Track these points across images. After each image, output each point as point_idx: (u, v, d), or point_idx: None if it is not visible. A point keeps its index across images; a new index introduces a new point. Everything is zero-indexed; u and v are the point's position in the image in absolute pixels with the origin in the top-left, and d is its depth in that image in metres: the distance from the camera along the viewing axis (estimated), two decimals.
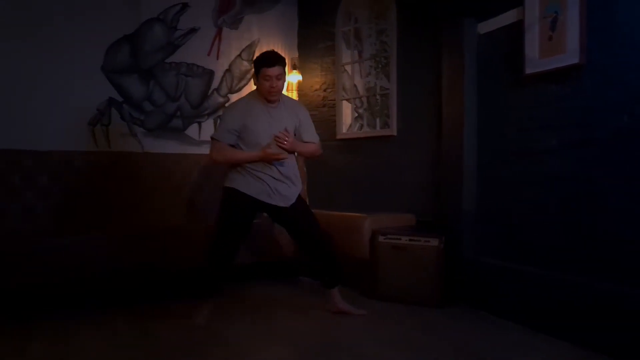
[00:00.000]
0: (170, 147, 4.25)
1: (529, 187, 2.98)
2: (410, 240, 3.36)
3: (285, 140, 2.81)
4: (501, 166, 3.19)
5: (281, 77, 2.80)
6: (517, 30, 2.99)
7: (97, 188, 3.80)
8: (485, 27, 3.25)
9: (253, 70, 2.89)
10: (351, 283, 3.70)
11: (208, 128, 4.43)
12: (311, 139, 3.05)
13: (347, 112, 4.54)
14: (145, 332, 2.80)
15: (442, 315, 3.07)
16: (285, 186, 2.91)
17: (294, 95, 4.90)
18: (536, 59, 2.87)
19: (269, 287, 3.75)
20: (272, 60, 2.77)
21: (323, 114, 4.69)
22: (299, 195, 3.04)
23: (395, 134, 4.02)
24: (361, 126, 4.47)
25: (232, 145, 2.88)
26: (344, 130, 4.52)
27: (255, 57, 3.00)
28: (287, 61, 4.69)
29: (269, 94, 2.81)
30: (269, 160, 2.81)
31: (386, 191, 4.09)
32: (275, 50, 4.68)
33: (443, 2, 3.51)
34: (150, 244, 3.40)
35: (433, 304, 3.22)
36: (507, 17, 3.09)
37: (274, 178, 2.87)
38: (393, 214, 3.79)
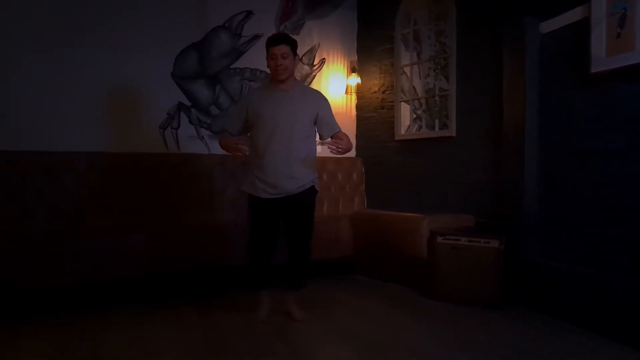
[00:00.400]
0: None
1: (594, 189, 2.92)
2: (469, 241, 3.36)
3: (340, 147, 2.82)
4: (564, 167, 3.14)
5: (286, 55, 2.82)
6: (582, 28, 2.94)
7: (167, 188, 4.02)
8: (548, 26, 3.21)
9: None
10: (409, 283, 3.75)
11: None
12: (333, 131, 3.00)
13: (405, 113, 4.58)
14: (212, 325, 2.93)
15: (502, 317, 3.06)
16: (287, 179, 2.89)
17: (352, 98, 5.00)
18: (603, 57, 2.81)
19: (327, 285, 3.82)
20: (276, 39, 2.86)
21: (382, 116, 4.75)
22: (309, 191, 2.97)
23: (454, 134, 4.02)
24: (420, 127, 4.49)
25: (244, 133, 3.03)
26: (403, 131, 4.56)
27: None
28: (347, 64, 4.89)
29: (275, 73, 2.86)
30: (228, 151, 2.96)
31: (445, 192, 4.10)
32: (335, 53, 4.87)
33: (504, 2, 3.49)
34: (215, 239, 3.58)
35: (493, 306, 3.21)
36: (572, 15, 3.04)
37: (273, 172, 2.87)
38: (452, 214, 3.80)
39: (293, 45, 2.90)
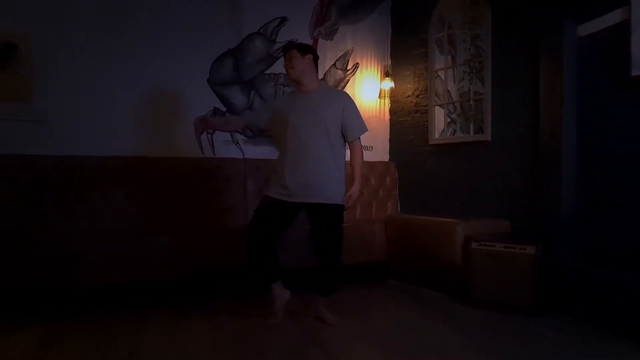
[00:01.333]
0: (268, 153, 4.53)
1: (635, 194, 2.88)
2: (504, 247, 3.35)
3: (354, 202, 3.01)
4: (604, 172, 3.10)
5: (294, 57, 2.95)
6: (622, 31, 2.92)
7: (202, 192, 4.13)
8: (586, 29, 3.19)
9: None
10: (443, 288, 3.75)
11: None
12: (357, 134, 3.03)
13: (439, 117, 4.58)
14: (246, 328, 2.99)
15: (538, 325, 3.03)
16: (311, 182, 2.91)
17: (386, 102, 5.03)
18: None
19: (360, 289, 3.85)
20: (285, 46, 3.24)
21: (415, 120, 4.77)
22: (334, 205, 2.98)
23: (489, 139, 4.01)
24: (454, 131, 4.49)
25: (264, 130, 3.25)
26: (437, 135, 4.56)
27: None
28: (380, 68, 4.93)
29: (287, 74, 3.04)
30: (195, 127, 3.16)
31: (480, 197, 4.08)
32: (368, 58, 4.91)
33: (541, 5, 3.48)
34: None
35: (528, 313, 3.19)
36: (611, 18, 3.02)
37: (297, 175, 2.90)
38: (487, 219, 3.79)
39: (300, 48, 3.03)
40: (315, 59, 3.07)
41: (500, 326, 3.02)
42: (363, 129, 3.07)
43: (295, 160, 2.91)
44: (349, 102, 3.03)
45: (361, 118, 3.08)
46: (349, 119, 2.98)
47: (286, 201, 2.93)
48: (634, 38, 2.81)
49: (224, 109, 4.42)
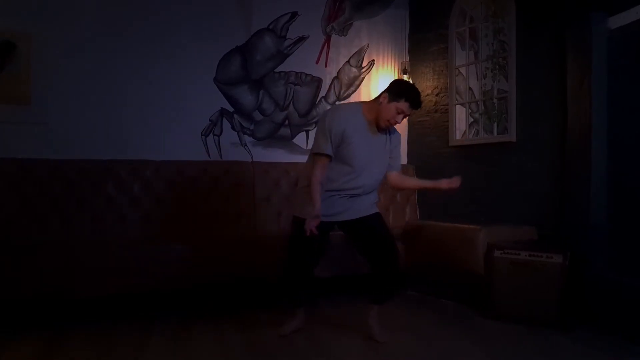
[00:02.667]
0: (278, 155, 4.58)
1: None
2: (530, 255, 3.31)
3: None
4: (637, 177, 3.05)
5: (409, 115, 2.92)
6: None
7: (209, 197, 4.17)
8: (618, 20, 3.16)
9: (387, 91, 2.81)
10: (464, 299, 3.73)
11: None
12: (398, 168, 3.09)
13: (461, 117, 4.56)
14: (253, 338, 3.02)
15: (566, 339, 2.99)
16: (354, 200, 2.93)
17: None
18: None
19: None
20: (420, 103, 2.88)
21: (435, 120, 4.76)
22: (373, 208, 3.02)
23: (514, 140, 3.98)
24: (477, 132, 4.46)
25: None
26: (458, 136, 4.54)
27: (401, 85, 2.95)
28: (397, 65, 4.94)
29: (386, 124, 2.82)
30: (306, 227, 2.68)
31: (505, 202, 4.05)
32: (385, 54, 4.92)
33: None
34: (257, 251, 3.69)
35: (555, 326, 3.15)
36: None
37: (342, 196, 2.90)
38: (512, 226, 3.76)
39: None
40: None
41: (525, 340, 3.00)
42: (400, 164, 3.15)
43: (351, 188, 2.89)
44: (399, 137, 3.08)
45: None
46: (395, 154, 3.04)
47: (323, 221, 2.78)
48: None
49: (231, 109, 4.46)
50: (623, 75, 3.15)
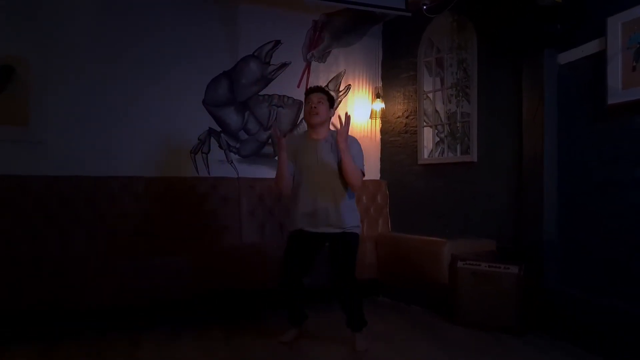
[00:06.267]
0: (262, 172, 4.62)
1: (614, 219, 2.97)
2: (489, 266, 3.41)
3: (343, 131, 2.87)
4: (584, 197, 3.19)
5: (322, 101, 3.03)
6: (599, 61, 3.02)
7: (198, 211, 4.19)
8: (566, 57, 3.29)
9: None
10: (431, 306, 3.82)
11: None
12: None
13: (428, 137, 4.68)
14: (239, 348, 3.04)
15: (521, 344, 3.10)
16: (329, 215, 3.01)
17: (377, 123, 5.13)
18: (619, 89, 2.88)
19: None
20: (315, 88, 3.14)
21: (405, 140, 4.87)
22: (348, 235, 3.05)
23: (475, 160, 4.10)
24: (442, 151, 4.58)
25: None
26: (426, 155, 4.66)
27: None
28: (371, 90, 5.04)
29: (309, 116, 3.04)
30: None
31: (467, 216, 4.16)
32: (360, 80, 5.01)
33: (524, 33, 3.57)
34: (243, 262, 3.74)
35: (514, 332, 3.25)
36: (589, 48, 3.12)
37: (316, 208, 3.00)
38: (473, 239, 3.88)
39: (329, 96, 3.12)
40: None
41: (484, 345, 3.09)
42: (361, 166, 3.06)
43: (313, 193, 3.02)
44: (354, 142, 3.07)
45: (361, 158, 3.08)
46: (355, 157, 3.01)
47: (311, 232, 3.03)
48: (610, 68, 2.92)
49: (218, 129, 4.50)
50: (571, 106, 3.29)
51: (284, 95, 4.75)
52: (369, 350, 3.01)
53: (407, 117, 4.87)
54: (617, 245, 2.93)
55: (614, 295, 2.90)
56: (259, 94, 4.66)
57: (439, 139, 4.65)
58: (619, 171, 2.93)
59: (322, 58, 4.92)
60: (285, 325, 3.20)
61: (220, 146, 4.51)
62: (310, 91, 3.13)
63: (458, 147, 4.39)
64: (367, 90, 5.13)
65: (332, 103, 3.15)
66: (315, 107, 3.01)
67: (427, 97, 4.69)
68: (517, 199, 3.68)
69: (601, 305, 2.92)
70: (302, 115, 4.80)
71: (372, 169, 5.14)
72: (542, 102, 3.39)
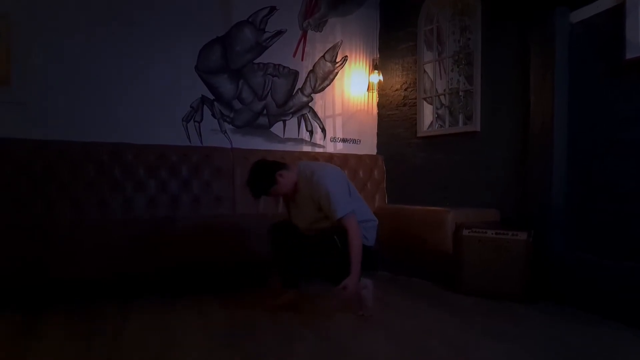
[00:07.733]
0: (256, 143, 4.39)
1: (628, 180, 2.79)
2: (496, 233, 3.24)
3: (349, 294, 2.66)
4: (595, 160, 3.01)
5: (271, 194, 2.91)
6: (616, 15, 2.84)
7: (188, 181, 3.94)
8: (579, 14, 3.11)
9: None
10: (433, 278, 3.64)
11: (292, 126, 4.57)
12: (336, 216, 2.72)
13: (427, 110, 4.48)
14: (235, 314, 2.84)
15: (531, 310, 2.93)
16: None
17: (374, 96, 4.92)
18: (638, 43, 2.70)
19: None
20: (253, 195, 2.91)
21: (404, 113, 4.66)
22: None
23: (478, 129, 3.91)
24: (442, 123, 4.38)
25: None
26: (425, 127, 4.46)
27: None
28: (369, 62, 4.82)
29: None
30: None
31: (469, 188, 3.98)
32: (357, 51, 4.78)
33: None
34: (236, 234, 3.50)
35: (520, 299, 3.08)
36: (605, 2, 2.93)
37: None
38: (477, 209, 3.69)
39: (264, 190, 2.86)
40: (275, 176, 2.82)
41: (493, 312, 2.91)
42: (342, 210, 2.72)
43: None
44: (321, 194, 2.76)
45: (338, 201, 2.73)
46: (325, 208, 2.77)
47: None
48: (629, 21, 2.74)
49: (211, 97, 4.24)
50: (584, 67, 3.10)
51: (279, 65, 4.50)
52: (377, 316, 2.82)
53: (405, 90, 4.66)
54: (629, 209, 2.76)
55: (626, 258, 2.72)
56: (254, 62, 4.40)
57: (438, 112, 4.45)
58: (637, 129, 2.75)
59: (319, 27, 4.69)
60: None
61: (213, 115, 4.25)
62: (257, 196, 2.91)
63: (460, 117, 4.20)
64: (364, 62, 4.92)
65: (268, 186, 2.83)
66: (275, 197, 3.22)
67: (426, 71, 4.47)
68: (522, 167, 3.50)
69: (610, 267, 2.76)
70: (298, 86, 4.59)
71: (369, 144, 4.94)
72: (552, 65, 3.19)
